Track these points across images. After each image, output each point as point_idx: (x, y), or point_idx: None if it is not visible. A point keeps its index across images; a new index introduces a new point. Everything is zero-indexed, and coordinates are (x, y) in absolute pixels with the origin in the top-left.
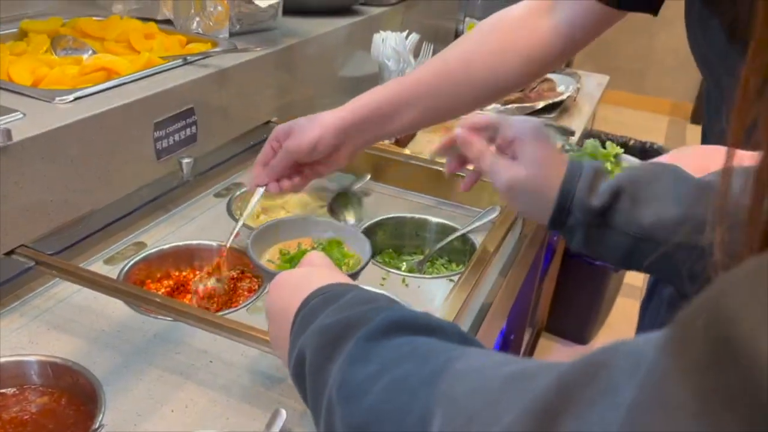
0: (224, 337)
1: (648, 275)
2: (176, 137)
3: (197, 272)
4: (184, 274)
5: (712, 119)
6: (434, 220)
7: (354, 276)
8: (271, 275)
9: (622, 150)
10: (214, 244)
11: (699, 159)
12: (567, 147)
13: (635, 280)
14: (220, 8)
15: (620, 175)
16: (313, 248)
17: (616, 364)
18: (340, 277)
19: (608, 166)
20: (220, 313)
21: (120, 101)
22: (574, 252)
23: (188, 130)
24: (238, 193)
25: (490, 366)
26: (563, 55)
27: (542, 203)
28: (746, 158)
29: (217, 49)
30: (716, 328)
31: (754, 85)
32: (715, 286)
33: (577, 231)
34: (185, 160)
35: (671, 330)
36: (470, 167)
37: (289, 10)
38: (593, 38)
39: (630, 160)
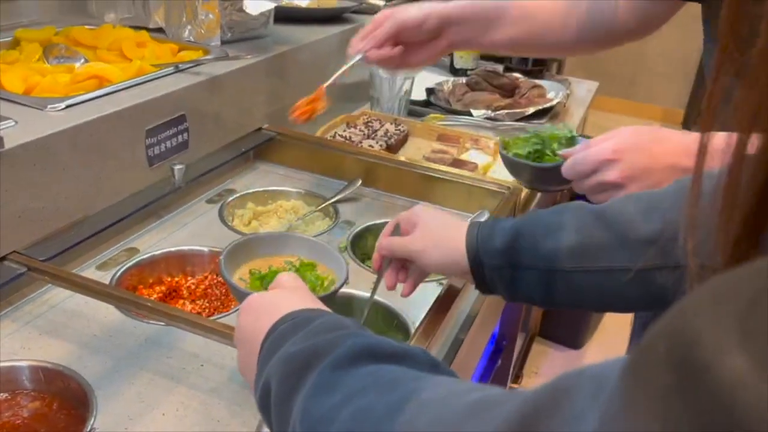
0: (215, 341)
1: None
2: (168, 144)
3: (189, 278)
4: (176, 279)
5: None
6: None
7: (328, 298)
8: (243, 295)
9: (577, 134)
10: (206, 249)
11: (633, 135)
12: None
13: None
14: (211, 16)
15: (518, 219)
16: (285, 270)
17: (580, 389)
18: (311, 302)
19: (555, 146)
20: (213, 318)
21: (111, 108)
22: None
23: (180, 136)
24: (230, 199)
25: (454, 394)
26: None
27: (456, 260)
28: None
29: (208, 57)
30: (679, 352)
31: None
32: (676, 308)
33: (496, 279)
34: (177, 167)
35: (633, 356)
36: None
37: (281, 18)
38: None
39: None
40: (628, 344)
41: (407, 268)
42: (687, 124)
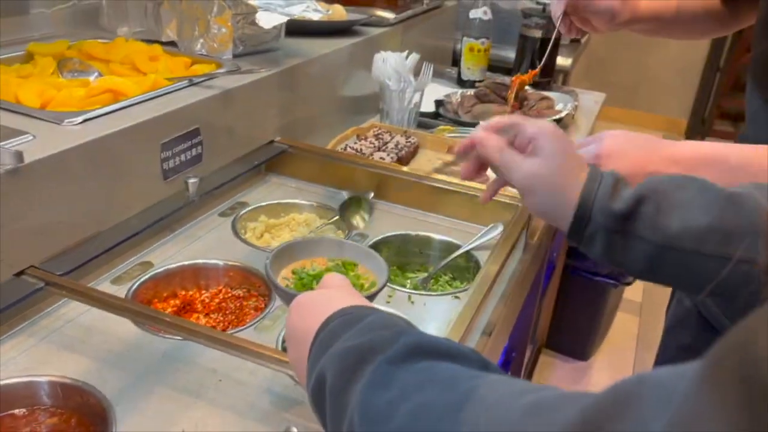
0: (234, 356)
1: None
2: (182, 157)
3: (203, 292)
4: (190, 293)
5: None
6: (437, 237)
7: (371, 298)
8: (290, 296)
9: None
10: (220, 263)
11: (617, 141)
12: None
13: (635, 296)
14: (224, 30)
15: (643, 183)
16: (328, 269)
17: (645, 397)
18: (359, 300)
19: None
20: (228, 332)
21: (127, 123)
22: (574, 266)
23: (194, 150)
24: (242, 212)
25: (512, 395)
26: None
27: (561, 204)
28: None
29: (221, 70)
30: (747, 369)
31: None
32: (745, 323)
33: (598, 238)
34: (191, 180)
35: (703, 367)
36: (488, 174)
37: (291, 31)
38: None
39: None
40: (659, 347)
41: (485, 168)
42: (690, 134)
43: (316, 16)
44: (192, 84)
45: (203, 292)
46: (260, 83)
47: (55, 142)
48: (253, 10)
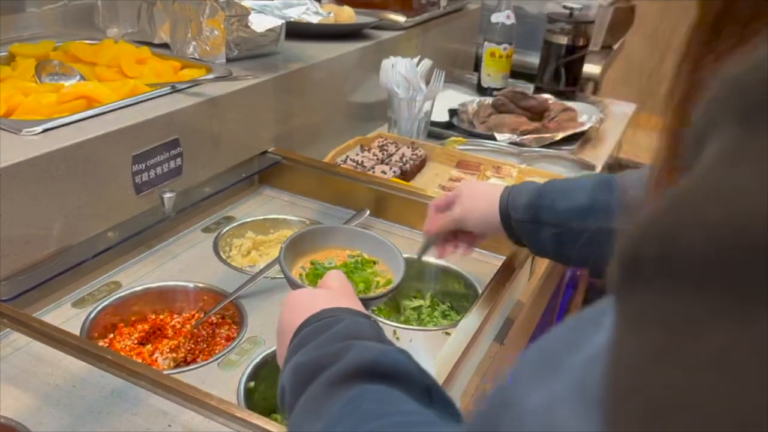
0: (179, 405)
1: None
2: (159, 170)
3: (175, 316)
4: (161, 317)
5: None
6: (435, 261)
7: (369, 301)
8: (294, 286)
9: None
10: (190, 285)
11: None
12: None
13: None
14: (216, 32)
15: (544, 182)
16: (345, 264)
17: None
18: (349, 303)
19: None
20: (189, 368)
21: (94, 132)
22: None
23: (173, 162)
24: (227, 228)
25: None
26: None
27: (490, 224)
28: None
29: (209, 76)
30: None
31: None
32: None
33: (522, 233)
34: (167, 195)
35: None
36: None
37: (295, 34)
38: None
39: None
40: None
41: (455, 239)
42: None
43: (315, 19)
44: (175, 90)
45: (175, 316)
46: (253, 90)
47: (8, 153)
48: (247, 12)
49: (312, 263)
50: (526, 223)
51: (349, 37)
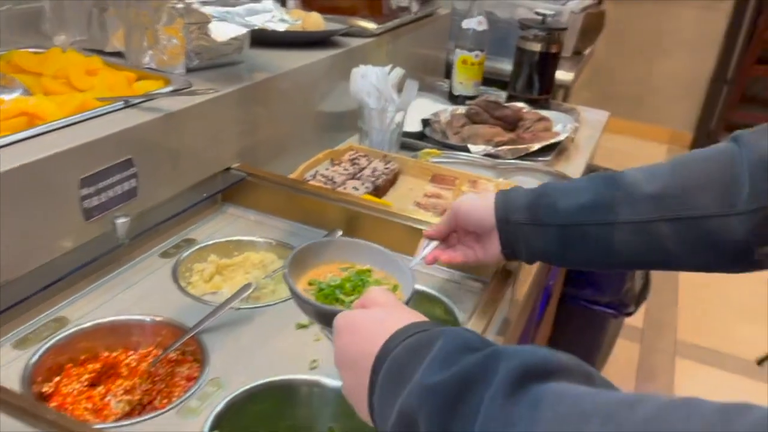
0: None
1: None
2: (110, 193)
3: (131, 353)
4: (114, 355)
5: None
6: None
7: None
8: (328, 313)
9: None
10: (147, 319)
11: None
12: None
13: (635, 321)
14: (174, 41)
15: (539, 186)
16: (345, 279)
17: None
18: (412, 316)
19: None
20: (143, 417)
21: (37, 155)
22: (572, 295)
23: (126, 183)
24: (188, 252)
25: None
26: None
27: (486, 226)
28: None
29: (166, 89)
30: None
31: None
32: None
33: (519, 236)
34: (120, 220)
35: None
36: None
37: (261, 42)
38: None
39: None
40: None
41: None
42: (695, 147)
43: (281, 27)
44: (128, 105)
45: (130, 353)
46: (214, 103)
47: None
48: (207, 20)
49: (311, 284)
50: (527, 225)
51: (317, 44)
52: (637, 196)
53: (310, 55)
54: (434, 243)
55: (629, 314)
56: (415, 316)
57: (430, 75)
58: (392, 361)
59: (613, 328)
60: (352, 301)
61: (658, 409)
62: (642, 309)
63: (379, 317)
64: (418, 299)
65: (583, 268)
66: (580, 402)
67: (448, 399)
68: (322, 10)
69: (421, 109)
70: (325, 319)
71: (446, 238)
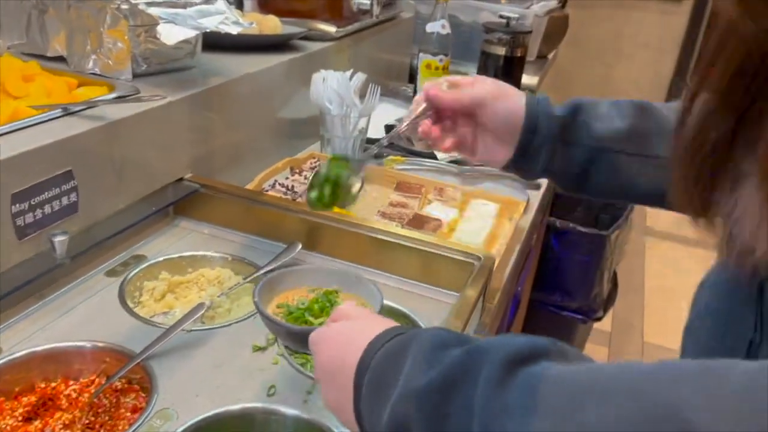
0: None
1: None
2: (47, 209)
3: (71, 383)
4: (53, 385)
5: None
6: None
7: None
8: (300, 333)
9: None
10: (87, 345)
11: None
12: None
13: (603, 325)
14: (120, 45)
15: (568, 101)
16: (314, 300)
17: None
18: (388, 323)
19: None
20: None
21: None
22: (541, 301)
23: (65, 198)
24: (137, 269)
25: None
26: None
27: (510, 124)
28: None
29: (106, 97)
30: None
31: None
32: None
33: (543, 149)
34: (58, 238)
35: None
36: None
37: (215, 46)
38: None
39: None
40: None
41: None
42: None
43: (234, 30)
44: (67, 114)
45: (71, 383)
46: (163, 110)
47: None
48: (155, 22)
49: (279, 306)
50: (556, 138)
51: (275, 49)
52: (669, 133)
53: (267, 60)
54: (426, 109)
55: (598, 319)
56: (390, 323)
57: (394, 80)
58: (375, 367)
59: (582, 333)
60: (322, 323)
61: (645, 377)
62: (610, 313)
63: (356, 327)
64: (383, 314)
65: (591, 195)
66: (570, 380)
67: (438, 401)
68: (280, 14)
69: (385, 114)
70: (298, 339)
71: (439, 116)
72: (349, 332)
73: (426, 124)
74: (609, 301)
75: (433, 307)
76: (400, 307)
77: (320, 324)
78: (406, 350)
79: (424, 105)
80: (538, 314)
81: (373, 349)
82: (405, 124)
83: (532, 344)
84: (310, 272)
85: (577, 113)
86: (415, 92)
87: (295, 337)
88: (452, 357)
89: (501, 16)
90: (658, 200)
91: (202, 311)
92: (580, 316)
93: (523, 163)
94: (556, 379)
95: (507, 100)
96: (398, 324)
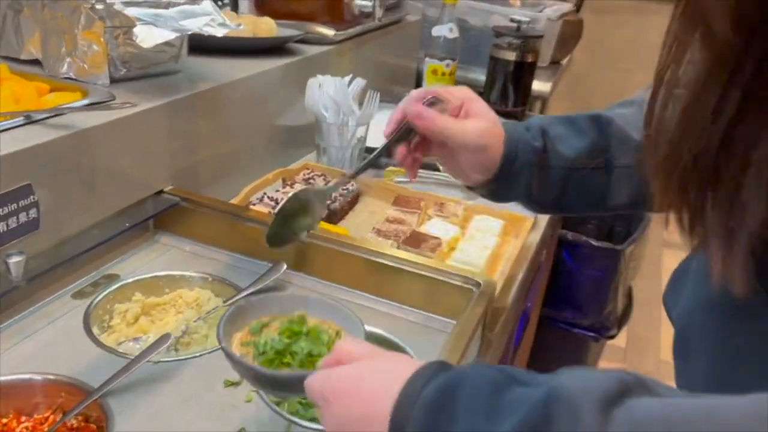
0: None
1: None
2: (2, 227)
3: (24, 419)
4: (4, 421)
5: None
6: (368, 329)
7: None
8: (292, 380)
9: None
10: (38, 378)
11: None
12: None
13: (618, 341)
14: (95, 47)
15: (534, 121)
16: (282, 332)
17: None
18: (407, 363)
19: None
20: None
21: None
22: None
23: (23, 215)
24: (107, 290)
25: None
26: None
27: (492, 154)
28: None
29: (79, 103)
30: None
31: None
32: None
33: (522, 175)
34: (13, 259)
35: None
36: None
37: (205, 50)
38: None
39: None
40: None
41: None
42: None
43: (220, 32)
44: (30, 122)
45: (23, 419)
46: (141, 118)
47: None
48: (132, 24)
49: (244, 344)
50: (534, 167)
51: (269, 52)
52: (628, 142)
53: (260, 64)
54: (403, 130)
55: (611, 337)
56: (408, 363)
57: (400, 85)
58: (422, 422)
59: (594, 352)
60: (304, 362)
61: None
62: (624, 328)
63: (372, 370)
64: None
65: (570, 213)
66: (664, 416)
67: None
68: (278, 15)
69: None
70: (279, 385)
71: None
72: (369, 377)
73: (401, 152)
74: (623, 318)
75: (427, 337)
76: (390, 336)
77: (302, 364)
78: (454, 398)
79: (400, 125)
80: (549, 331)
81: (409, 401)
82: (379, 149)
83: (618, 382)
84: (275, 300)
85: (544, 138)
86: None
87: (276, 384)
88: (526, 405)
89: (512, 20)
90: (637, 206)
91: (167, 343)
92: (592, 334)
93: (499, 188)
94: (653, 419)
95: (488, 151)
96: (418, 363)
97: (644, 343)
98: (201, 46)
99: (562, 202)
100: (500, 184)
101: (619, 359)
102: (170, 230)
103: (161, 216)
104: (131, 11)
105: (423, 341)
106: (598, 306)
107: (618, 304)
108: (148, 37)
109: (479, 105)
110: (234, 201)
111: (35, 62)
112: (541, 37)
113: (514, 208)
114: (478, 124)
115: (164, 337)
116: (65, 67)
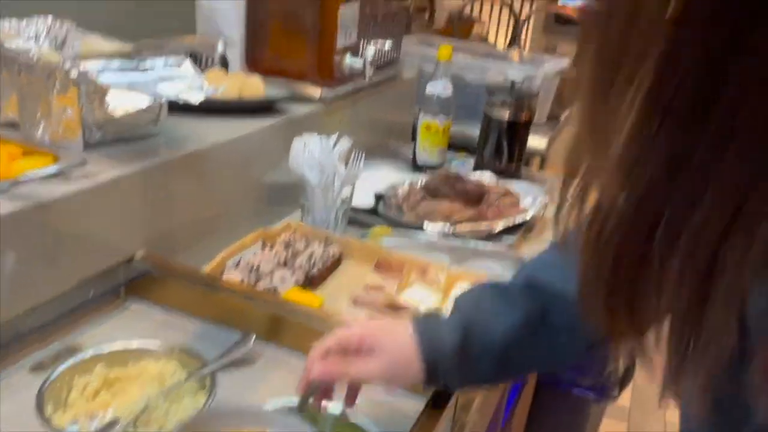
0: None
1: None
2: None
3: None
4: None
5: None
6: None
7: None
8: None
9: None
10: None
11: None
12: None
13: (622, 400)
14: (69, 112)
15: (455, 313)
16: None
17: None
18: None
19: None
20: None
21: None
22: (548, 376)
23: None
24: (67, 364)
25: None
26: None
27: (411, 373)
28: None
29: (45, 171)
30: None
31: None
32: None
33: (452, 378)
34: None
35: None
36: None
37: (190, 110)
38: None
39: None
40: None
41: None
42: None
43: (195, 98)
44: None
45: None
46: (110, 185)
47: None
48: (103, 91)
49: None
50: (460, 367)
51: (256, 111)
52: (563, 303)
53: (245, 125)
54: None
55: (614, 398)
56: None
57: (396, 140)
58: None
59: (596, 414)
60: None
61: None
62: (629, 388)
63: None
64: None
65: (518, 378)
66: None
67: None
68: (269, 73)
69: (379, 180)
70: None
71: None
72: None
73: (319, 404)
74: (625, 378)
75: (394, 417)
76: (353, 420)
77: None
78: None
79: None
80: (547, 393)
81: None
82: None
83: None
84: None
85: (467, 336)
86: (414, 156)
87: None
88: None
89: (507, 79)
90: (585, 353)
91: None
92: (593, 394)
93: (434, 386)
94: None
95: (404, 376)
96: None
97: (650, 401)
98: (184, 105)
99: (504, 377)
100: (438, 385)
101: (623, 418)
102: (142, 296)
103: (133, 282)
104: (106, 77)
105: (388, 421)
106: (598, 365)
107: (620, 363)
108: (120, 105)
109: (380, 335)
110: (210, 265)
111: (13, 125)
112: (536, 95)
113: (499, 273)
114: (380, 360)
115: (110, 425)
116: (40, 131)
